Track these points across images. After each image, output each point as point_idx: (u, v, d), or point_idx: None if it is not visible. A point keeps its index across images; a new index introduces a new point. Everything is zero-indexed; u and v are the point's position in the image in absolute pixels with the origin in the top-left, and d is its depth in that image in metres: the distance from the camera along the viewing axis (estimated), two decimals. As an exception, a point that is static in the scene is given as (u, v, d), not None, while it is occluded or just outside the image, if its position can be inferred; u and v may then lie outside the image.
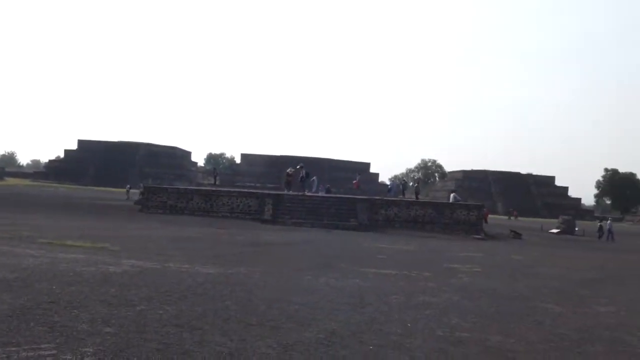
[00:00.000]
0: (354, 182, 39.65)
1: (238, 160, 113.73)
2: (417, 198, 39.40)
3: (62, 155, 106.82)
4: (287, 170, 36.18)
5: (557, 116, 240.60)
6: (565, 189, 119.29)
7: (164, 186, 33.70)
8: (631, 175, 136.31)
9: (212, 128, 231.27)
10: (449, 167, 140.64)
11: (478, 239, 28.11)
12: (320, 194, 36.45)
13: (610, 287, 12.91)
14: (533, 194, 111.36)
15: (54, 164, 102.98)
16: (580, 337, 7.50)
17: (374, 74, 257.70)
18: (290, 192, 33.23)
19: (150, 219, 24.88)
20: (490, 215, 60.37)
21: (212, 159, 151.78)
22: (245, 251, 14.99)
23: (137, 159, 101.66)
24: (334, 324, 7.27)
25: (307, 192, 34.36)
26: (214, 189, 33.90)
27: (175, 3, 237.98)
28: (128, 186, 57.94)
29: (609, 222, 42.13)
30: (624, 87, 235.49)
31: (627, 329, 8.17)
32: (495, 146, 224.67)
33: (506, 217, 79.10)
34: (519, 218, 78.84)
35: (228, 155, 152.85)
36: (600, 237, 40.21)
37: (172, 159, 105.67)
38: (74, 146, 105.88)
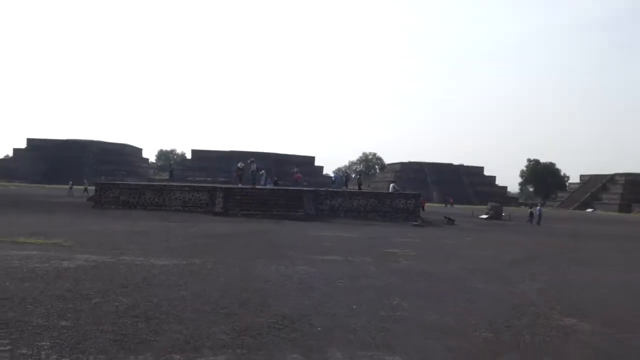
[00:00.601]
0: (296, 175, 39.57)
1: (189, 156, 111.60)
2: (359, 189, 39.84)
3: (10, 154, 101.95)
4: (238, 165, 35.79)
5: (485, 112, 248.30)
6: (493, 178, 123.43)
7: (116, 182, 32.74)
8: (551, 165, 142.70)
9: (162, 125, 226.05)
10: (388, 160, 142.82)
11: (415, 225, 28.71)
12: (268, 186, 36.31)
13: (534, 266, 13.48)
14: (464, 183, 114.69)
15: (2, 163, 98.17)
16: (508, 312, 7.82)
17: (320, 71, 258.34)
18: (241, 186, 32.96)
19: (103, 215, 24.14)
20: (427, 204, 61.76)
21: (163, 155, 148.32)
22: (198, 243, 14.80)
23: (88, 157, 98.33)
24: (284, 308, 7.31)
25: (257, 185, 34.18)
26: (165, 184, 33.21)
27: None
28: (70, 182, 55.87)
29: (538, 207, 43.74)
30: (546, 84, 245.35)
31: (548, 304, 8.58)
32: (430, 140, 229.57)
33: (443, 205, 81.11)
34: (455, 205, 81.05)
35: (179, 151, 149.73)
36: (530, 221, 41.74)
37: (123, 156, 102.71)
38: (23, 145, 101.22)
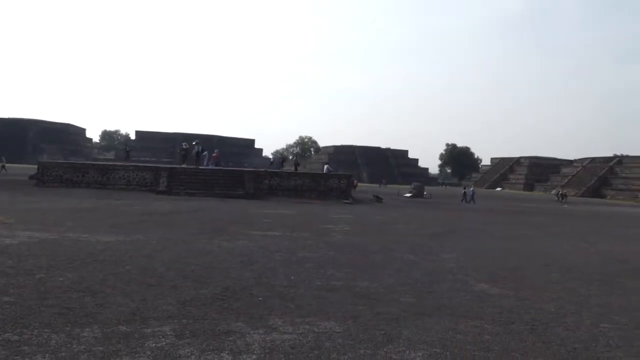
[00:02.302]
0: (214, 155, 38.40)
1: (133, 137, 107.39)
2: (296, 169, 39.85)
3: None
4: (182, 145, 34.69)
5: (410, 100, 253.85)
6: (416, 160, 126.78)
7: (59, 161, 31.03)
8: (466, 149, 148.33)
9: (106, 106, 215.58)
10: (322, 143, 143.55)
11: (347, 203, 29.11)
12: (210, 167, 35.63)
13: (453, 238, 14.01)
14: (391, 165, 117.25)
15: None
16: (430, 280, 8.09)
17: (260, 58, 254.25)
18: (184, 166, 32.11)
19: (46, 193, 22.84)
20: (360, 184, 62.70)
21: (107, 135, 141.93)
22: (143, 220, 14.32)
23: (31, 136, 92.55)
24: (227, 280, 7.21)
25: (200, 166, 33.43)
26: (110, 163, 31.82)
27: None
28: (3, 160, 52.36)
29: (471, 188, 45.34)
30: (464, 76, 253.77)
31: (465, 272, 8.94)
32: (361, 125, 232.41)
33: (377, 185, 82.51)
34: (388, 185, 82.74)
35: (123, 132, 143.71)
36: (462, 200, 43.29)
37: (67, 135, 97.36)
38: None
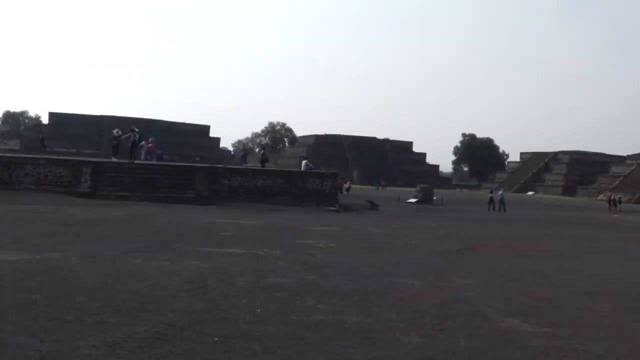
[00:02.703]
0: (148, 145, 38.05)
1: (46, 120, 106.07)
2: (263, 166, 39.74)
3: None
4: (114, 132, 33.87)
5: (415, 80, 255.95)
6: (423, 155, 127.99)
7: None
8: (488, 141, 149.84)
9: (9, 82, 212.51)
10: (300, 132, 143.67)
11: (332, 211, 29.18)
12: (152, 161, 35.35)
13: (471, 258, 14.10)
14: (390, 161, 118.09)
15: None
16: (440, 313, 8.11)
17: (214, 20, 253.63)
18: (115, 160, 31.75)
19: None
20: (353, 186, 63.05)
21: (10, 118, 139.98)
22: (58, 232, 14.11)
23: None
24: (171, 314, 7.12)
25: (136, 160, 33.13)
26: (13, 155, 31.34)
27: None
28: None
29: (500, 192, 45.81)
30: (485, 50, 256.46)
31: (486, 302, 8.98)
32: (351, 111, 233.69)
33: (374, 187, 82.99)
34: (387, 188, 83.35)
35: (32, 113, 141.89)
36: (490, 208, 43.74)
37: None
38: None
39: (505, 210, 42.08)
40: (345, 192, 54.68)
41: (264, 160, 40.88)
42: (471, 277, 11.17)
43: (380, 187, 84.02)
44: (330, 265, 11.47)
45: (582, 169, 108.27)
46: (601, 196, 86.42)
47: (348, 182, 58.24)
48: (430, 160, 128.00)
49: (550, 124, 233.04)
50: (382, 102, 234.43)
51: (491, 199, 44.94)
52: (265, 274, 10.05)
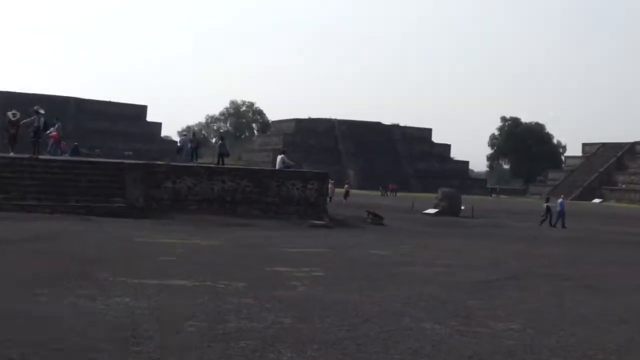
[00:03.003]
0: (52, 133, 37.92)
1: None
2: (221, 163, 39.63)
3: None
4: (9, 115, 33.38)
5: (432, 48, 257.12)
6: (447, 147, 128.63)
7: None
8: (538, 127, 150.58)
9: None
10: (274, 114, 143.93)
11: (319, 226, 29.17)
12: (64, 156, 35.21)
13: (513, 292, 14.13)
14: (401, 156, 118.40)
15: None
16: (471, 370, 8.13)
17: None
18: (13, 155, 31.55)
19: None
20: (348, 190, 63.13)
21: None
22: None
23: None
24: (89, 374, 7.09)
25: (38, 155, 32.95)
26: None
27: None
28: None
29: (561, 200, 45.79)
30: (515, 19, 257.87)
31: (537, 355, 9.01)
32: (346, 87, 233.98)
33: (379, 193, 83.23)
34: (398, 194, 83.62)
35: None
36: (543, 221, 43.80)
37: None
38: None
39: (564, 226, 42.29)
40: (343, 201, 54.86)
41: (222, 154, 40.75)
42: (514, 320, 11.19)
43: (387, 193, 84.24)
44: (316, 303, 11.46)
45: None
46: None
47: (347, 185, 58.57)
48: (456, 154, 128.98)
49: (624, 107, 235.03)
50: (390, 75, 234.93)
51: (548, 209, 44.91)
52: (224, 317, 10.02)
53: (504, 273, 17.36)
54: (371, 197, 69.57)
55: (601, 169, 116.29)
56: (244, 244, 20.43)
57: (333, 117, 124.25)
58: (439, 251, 22.52)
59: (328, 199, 55.91)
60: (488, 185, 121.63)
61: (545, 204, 46.18)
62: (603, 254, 25.27)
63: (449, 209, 47.87)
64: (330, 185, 59.92)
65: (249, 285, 12.87)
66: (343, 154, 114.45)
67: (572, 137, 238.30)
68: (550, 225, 43.12)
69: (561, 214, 43.50)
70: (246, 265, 15.80)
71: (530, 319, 11.39)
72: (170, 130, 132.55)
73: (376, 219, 34.50)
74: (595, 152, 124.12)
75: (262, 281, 13.52)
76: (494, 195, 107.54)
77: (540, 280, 16.37)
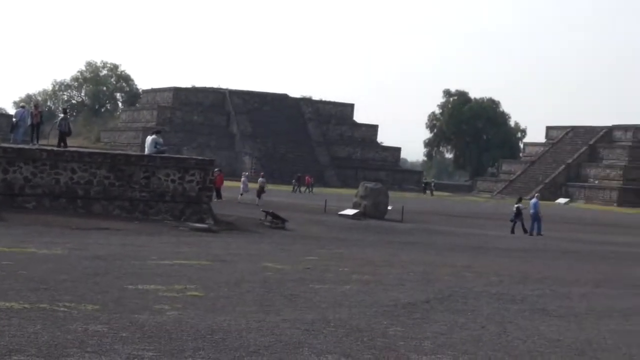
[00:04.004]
0: None
1: None
2: (63, 145, 38.76)
3: None
4: None
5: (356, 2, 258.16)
6: (373, 129, 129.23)
7: None
8: (491, 105, 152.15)
9: None
10: (146, 82, 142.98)
11: (202, 230, 29.10)
12: None
13: (443, 317, 14.40)
14: (312, 138, 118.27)
15: None
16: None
17: None
18: None
19: None
20: (266, 186, 62.58)
21: None
22: None
23: None
24: None
25: None
26: None
27: None
28: None
29: (534, 201, 46.14)
30: None
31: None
32: (242, 51, 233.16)
33: (292, 188, 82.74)
34: (313, 190, 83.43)
35: None
36: (514, 225, 44.30)
37: None
38: None
39: (540, 232, 43.12)
40: (257, 200, 54.58)
41: (64, 132, 39.33)
42: (444, 353, 11.44)
43: (302, 189, 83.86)
44: (189, 332, 11.48)
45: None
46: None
47: (262, 180, 57.95)
48: (385, 139, 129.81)
49: (599, 84, 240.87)
50: (302, 37, 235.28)
51: (519, 211, 45.38)
52: (63, 351, 9.94)
53: (437, 292, 17.64)
54: (280, 193, 69.59)
55: (569, 161, 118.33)
56: (98, 255, 20.22)
57: (224, 86, 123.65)
58: (356, 264, 22.67)
59: (240, 195, 55.89)
60: (424, 180, 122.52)
61: (516, 205, 46.69)
62: (566, 270, 25.81)
63: (373, 209, 48.17)
64: (243, 179, 59.97)
65: (102, 308, 12.79)
66: (237, 136, 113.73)
67: (534, 118, 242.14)
68: (524, 231, 43.83)
69: (535, 218, 44.17)
70: (100, 282, 15.65)
71: (463, 351, 11.65)
72: (4, 101, 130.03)
73: (276, 222, 34.57)
74: (562, 138, 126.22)
75: (121, 303, 13.44)
76: (427, 192, 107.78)
77: (481, 302, 16.69)
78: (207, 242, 25.89)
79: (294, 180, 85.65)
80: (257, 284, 17.14)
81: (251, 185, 60.44)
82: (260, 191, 55.93)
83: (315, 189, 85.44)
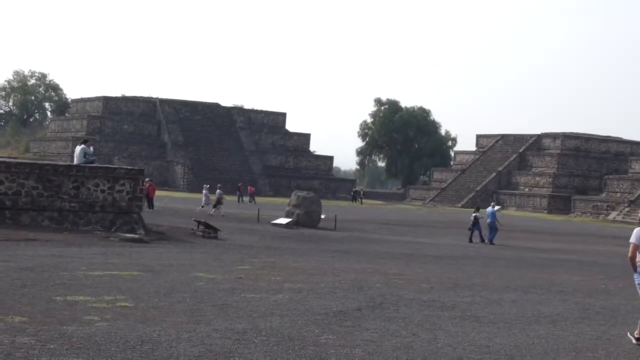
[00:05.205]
0: None
1: None
2: None
3: None
4: None
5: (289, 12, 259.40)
6: (305, 138, 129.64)
7: None
8: (422, 113, 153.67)
9: None
10: (75, 91, 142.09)
11: (133, 240, 28.94)
12: None
13: (374, 325, 14.47)
14: (244, 147, 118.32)
15: None
16: None
17: None
18: None
19: None
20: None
21: None
22: None
23: None
24: None
25: None
26: None
27: None
28: None
29: (490, 209, 46.07)
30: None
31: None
32: (174, 60, 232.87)
33: (236, 197, 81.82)
34: (253, 200, 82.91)
35: None
36: (472, 235, 44.34)
37: None
38: None
39: (492, 242, 43.23)
40: (211, 212, 54.23)
41: None
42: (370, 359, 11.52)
43: (242, 199, 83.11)
44: (118, 342, 11.43)
45: (585, 165, 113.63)
46: (614, 214, 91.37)
47: (219, 192, 57.39)
48: (318, 147, 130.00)
49: (527, 95, 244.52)
50: (236, 46, 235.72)
51: (476, 220, 45.28)
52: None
53: (369, 300, 17.75)
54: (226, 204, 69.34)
55: (500, 168, 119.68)
56: (26, 266, 20.03)
57: (155, 95, 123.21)
58: (289, 273, 22.71)
59: (201, 207, 55.35)
60: (354, 189, 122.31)
61: (474, 214, 46.64)
62: (497, 276, 26.06)
63: (306, 218, 48.24)
64: (205, 192, 59.22)
65: (30, 320, 12.68)
66: (168, 145, 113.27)
67: (464, 127, 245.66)
68: (482, 240, 43.98)
69: (492, 227, 44.30)
70: (28, 293, 15.51)
71: (394, 358, 11.73)
72: None
73: (208, 232, 34.48)
74: (492, 146, 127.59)
75: (49, 314, 13.34)
76: (356, 201, 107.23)
77: (413, 309, 16.81)
78: (137, 252, 25.75)
79: (238, 191, 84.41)
80: (188, 294, 17.10)
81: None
82: (217, 202, 55.67)
83: (249, 198, 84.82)
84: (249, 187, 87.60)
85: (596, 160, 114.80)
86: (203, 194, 58.29)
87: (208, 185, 59.50)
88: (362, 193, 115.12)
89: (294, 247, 33.53)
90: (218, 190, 56.99)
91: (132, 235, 29.80)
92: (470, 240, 44.42)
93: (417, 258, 31.72)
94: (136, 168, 36.04)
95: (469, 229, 45.65)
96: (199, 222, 36.08)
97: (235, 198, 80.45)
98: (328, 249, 33.39)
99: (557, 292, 22.43)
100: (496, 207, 48.29)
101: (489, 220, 44.84)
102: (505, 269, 29.24)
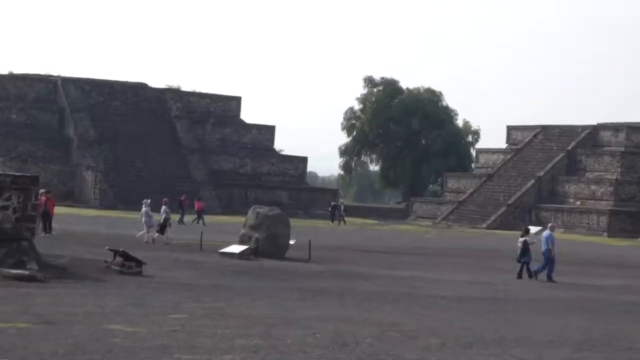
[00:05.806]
0: None
1: None
2: None
3: None
4: None
5: None
6: (269, 131, 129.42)
7: None
8: (430, 97, 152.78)
9: None
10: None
11: (20, 277, 28.83)
12: None
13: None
14: (182, 144, 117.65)
15: None
16: None
17: None
18: None
19: None
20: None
21: None
22: None
23: None
24: None
25: None
26: None
27: None
28: None
29: (546, 233, 45.79)
30: None
31: None
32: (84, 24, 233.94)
33: (177, 220, 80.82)
34: (204, 221, 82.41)
35: None
36: (521, 269, 44.25)
37: None
38: None
39: (551, 278, 43.07)
40: (153, 238, 53.62)
41: None
42: None
43: (187, 219, 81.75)
44: None
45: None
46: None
47: (200, 203, 56.54)
48: (286, 145, 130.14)
49: (576, 78, 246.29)
50: (164, 10, 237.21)
51: (526, 247, 44.95)
52: None
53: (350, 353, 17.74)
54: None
55: (540, 173, 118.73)
56: None
57: (56, 73, 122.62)
58: (242, 324, 22.68)
59: (140, 233, 54.57)
60: (333, 201, 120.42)
61: (522, 239, 46.10)
62: (538, 327, 26.03)
63: (268, 245, 48.18)
64: (145, 209, 57.35)
65: None
66: (74, 142, 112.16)
67: (489, 116, 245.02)
68: (530, 275, 43.86)
69: (548, 257, 43.99)
70: None
71: None
72: None
73: (129, 265, 34.32)
74: (529, 142, 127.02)
75: None
76: (336, 221, 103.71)
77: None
78: (28, 295, 25.66)
79: (180, 209, 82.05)
80: (98, 355, 16.99)
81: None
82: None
83: (187, 217, 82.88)
84: (195, 202, 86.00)
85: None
86: (142, 212, 55.92)
87: (149, 200, 56.36)
88: (342, 208, 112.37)
89: (250, 285, 33.56)
90: (164, 207, 55.72)
91: (20, 272, 29.63)
92: (520, 276, 44.27)
93: (421, 300, 31.69)
94: (28, 175, 35.90)
95: (518, 261, 45.43)
96: (115, 252, 35.93)
97: (176, 217, 79.68)
98: (298, 288, 33.42)
99: (623, 350, 22.39)
100: (537, 229, 48.08)
101: (544, 248, 44.72)
102: (549, 315, 29.27)
